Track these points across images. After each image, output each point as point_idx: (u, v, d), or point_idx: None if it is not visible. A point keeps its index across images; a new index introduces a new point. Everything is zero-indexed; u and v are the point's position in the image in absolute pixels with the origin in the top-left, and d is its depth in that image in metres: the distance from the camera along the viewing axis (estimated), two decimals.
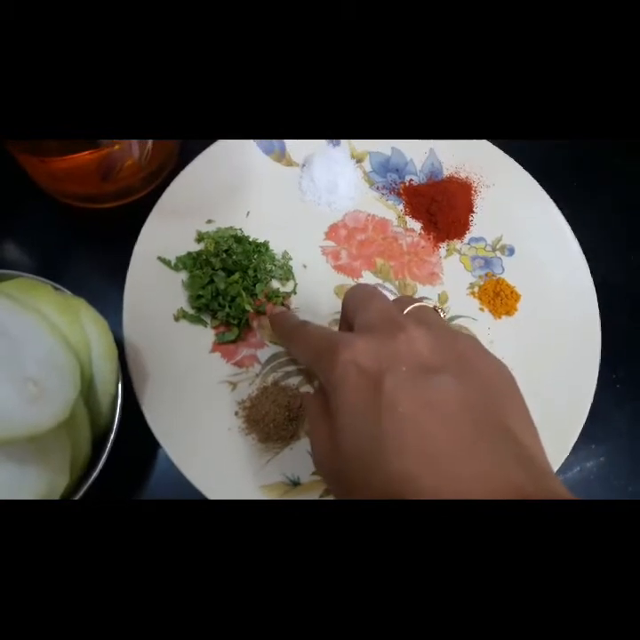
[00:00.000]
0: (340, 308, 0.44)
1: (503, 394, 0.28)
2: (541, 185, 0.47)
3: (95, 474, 0.34)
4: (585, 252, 0.45)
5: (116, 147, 0.39)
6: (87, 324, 0.35)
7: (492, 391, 0.27)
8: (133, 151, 0.40)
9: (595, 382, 0.42)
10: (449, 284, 0.45)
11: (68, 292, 0.37)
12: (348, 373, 0.27)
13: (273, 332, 0.41)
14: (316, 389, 0.34)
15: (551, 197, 0.47)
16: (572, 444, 0.40)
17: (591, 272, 0.45)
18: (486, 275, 0.45)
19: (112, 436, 0.35)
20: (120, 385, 0.36)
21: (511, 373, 0.29)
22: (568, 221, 0.46)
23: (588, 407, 0.41)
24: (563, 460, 0.40)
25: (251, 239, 0.43)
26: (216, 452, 0.39)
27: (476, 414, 0.26)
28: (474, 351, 0.29)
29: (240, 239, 0.43)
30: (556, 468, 0.39)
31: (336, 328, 0.43)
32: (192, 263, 0.42)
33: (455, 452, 0.25)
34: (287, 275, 0.44)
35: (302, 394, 0.40)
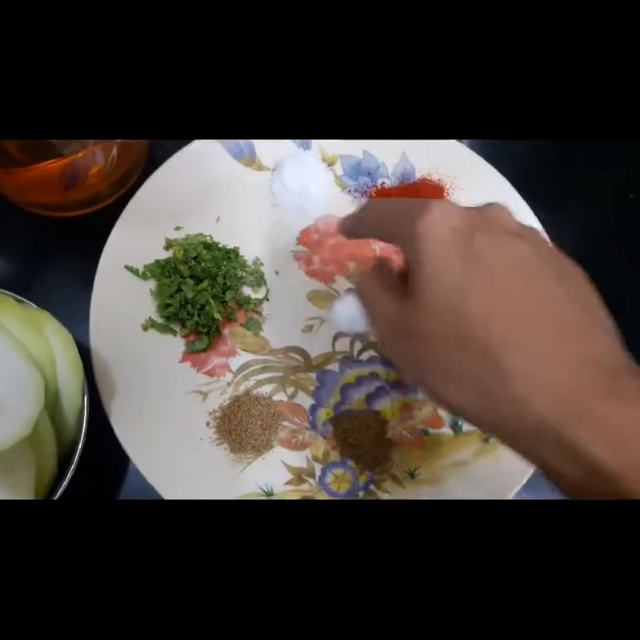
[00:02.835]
0: (313, 314, 0.43)
1: (585, 288, 0.28)
2: (516, 188, 0.46)
3: (61, 490, 0.33)
4: None
5: (80, 154, 0.38)
6: (51, 337, 0.35)
7: (575, 279, 0.28)
8: (97, 159, 0.39)
9: None
10: None
11: (33, 305, 0.36)
12: (438, 228, 0.27)
13: (341, 228, 0.36)
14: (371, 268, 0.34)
15: (526, 201, 0.46)
16: None
17: None
18: None
19: (79, 450, 0.34)
20: (86, 398, 0.35)
21: None
22: (543, 226, 0.46)
23: None
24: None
25: (220, 245, 0.43)
26: (187, 464, 0.38)
27: (564, 287, 0.26)
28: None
29: (209, 246, 0.42)
30: (524, 479, 0.39)
31: (310, 334, 0.43)
32: (160, 271, 0.41)
33: (543, 315, 0.25)
34: (259, 281, 0.43)
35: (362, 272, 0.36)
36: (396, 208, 0.31)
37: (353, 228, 0.34)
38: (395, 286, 0.30)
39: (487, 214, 0.28)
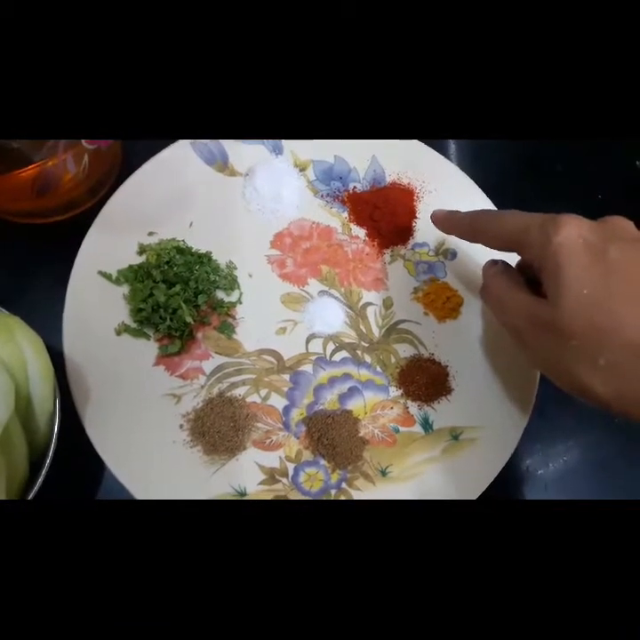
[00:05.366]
0: (286, 317, 0.44)
1: None
2: (484, 190, 0.47)
3: (32, 494, 0.33)
4: None
5: (50, 163, 0.38)
6: (22, 342, 0.35)
7: None
8: (69, 166, 0.40)
9: (537, 383, 0.42)
10: (393, 289, 0.45)
11: (4, 311, 0.37)
12: (574, 240, 0.30)
13: (439, 226, 0.42)
14: (493, 268, 0.37)
15: (494, 203, 0.47)
16: (515, 444, 0.41)
17: None
18: (430, 279, 0.46)
19: (50, 455, 0.35)
20: (58, 402, 0.35)
21: None
22: None
23: (531, 407, 0.42)
24: (506, 461, 0.40)
25: (193, 250, 0.43)
26: (161, 467, 0.39)
27: None
28: None
29: (182, 250, 0.43)
30: (493, 475, 0.40)
31: (283, 336, 0.43)
32: (133, 276, 0.41)
33: None
34: (231, 285, 0.44)
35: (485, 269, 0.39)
36: (520, 219, 0.34)
37: (469, 232, 0.38)
38: (523, 284, 0.34)
39: (612, 225, 0.32)
